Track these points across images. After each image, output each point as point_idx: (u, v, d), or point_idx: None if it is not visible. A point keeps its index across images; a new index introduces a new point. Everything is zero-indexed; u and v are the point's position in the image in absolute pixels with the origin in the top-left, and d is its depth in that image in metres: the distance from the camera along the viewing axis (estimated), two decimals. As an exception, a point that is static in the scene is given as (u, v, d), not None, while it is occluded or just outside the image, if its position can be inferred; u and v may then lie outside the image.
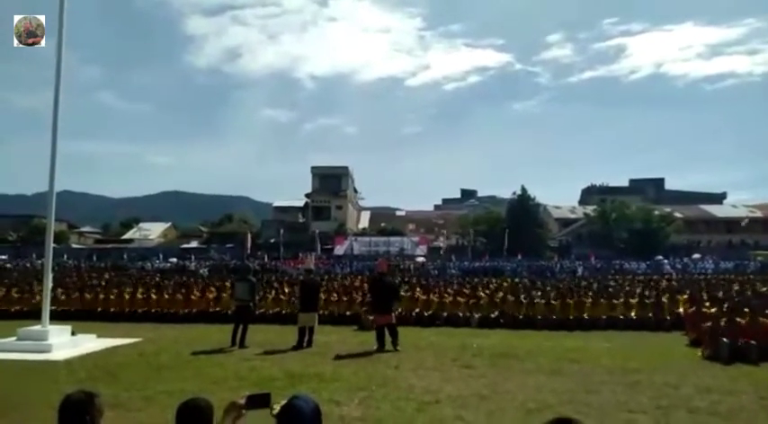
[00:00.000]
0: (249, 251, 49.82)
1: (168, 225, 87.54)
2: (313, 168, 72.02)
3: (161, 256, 51.65)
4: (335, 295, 16.42)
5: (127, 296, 16.79)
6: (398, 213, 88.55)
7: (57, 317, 12.79)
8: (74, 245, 67.48)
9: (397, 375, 8.36)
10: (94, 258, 53.22)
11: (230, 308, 13.66)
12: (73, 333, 11.52)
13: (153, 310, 15.94)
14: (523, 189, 60.69)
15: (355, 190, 79.06)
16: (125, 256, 52.97)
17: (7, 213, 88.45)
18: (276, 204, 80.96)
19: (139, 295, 16.88)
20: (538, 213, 61.92)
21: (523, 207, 59.32)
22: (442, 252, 54.32)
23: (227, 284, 18.92)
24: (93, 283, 22.29)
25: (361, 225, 75.53)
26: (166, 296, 16.69)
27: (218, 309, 15.71)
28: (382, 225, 71.40)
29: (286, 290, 17.31)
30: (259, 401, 2.52)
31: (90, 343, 11.27)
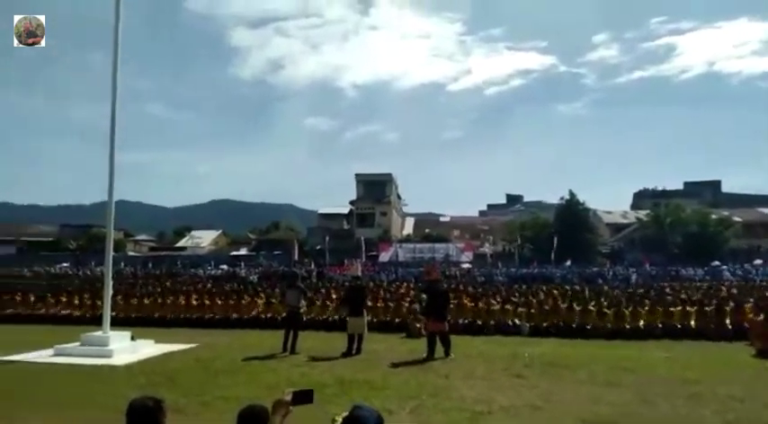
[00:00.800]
0: (296, 258, 50.51)
1: (219, 232, 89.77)
2: (357, 175, 72.48)
3: (212, 263, 52.94)
4: (382, 302, 16.45)
5: (182, 303, 17.34)
6: (442, 219, 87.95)
7: (116, 323, 13.33)
8: (130, 253, 70.15)
9: (448, 384, 8.31)
10: (150, 265, 55.09)
11: (281, 314, 13.90)
12: (132, 339, 11.96)
13: (207, 316, 16.39)
14: (571, 194, 59.22)
15: (399, 197, 79.12)
16: (178, 263, 54.55)
17: (68, 223, 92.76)
18: (321, 211, 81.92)
19: (194, 302, 17.40)
20: (587, 218, 60.30)
21: (572, 212, 57.86)
22: (489, 259, 53.52)
23: (277, 290, 19.27)
24: (150, 290, 23.10)
25: (405, 232, 75.43)
26: (219, 303, 17.13)
27: (269, 315, 16.01)
28: (426, 231, 71.09)
29: (333, 297, 17.48)
30: (303, 397, 2.65)
31: (148, 348, 11.68)
